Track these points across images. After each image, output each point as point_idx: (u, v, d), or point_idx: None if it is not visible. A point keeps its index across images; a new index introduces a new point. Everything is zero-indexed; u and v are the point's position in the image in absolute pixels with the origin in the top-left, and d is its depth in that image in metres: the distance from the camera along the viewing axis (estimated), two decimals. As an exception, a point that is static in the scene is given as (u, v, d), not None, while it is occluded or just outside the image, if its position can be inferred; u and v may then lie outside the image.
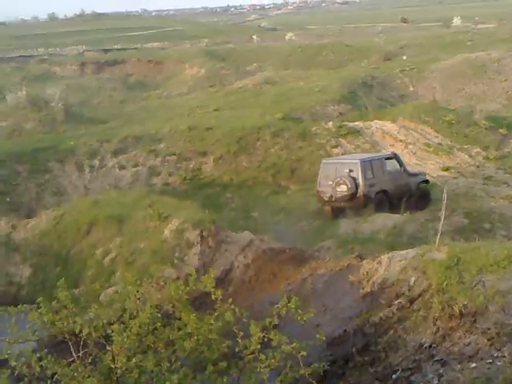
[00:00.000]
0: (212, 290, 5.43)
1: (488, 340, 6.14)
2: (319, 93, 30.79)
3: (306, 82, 35.13)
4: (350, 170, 16.44)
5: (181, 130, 24.16)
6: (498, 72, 33.74)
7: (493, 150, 22.55)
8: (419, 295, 7.57)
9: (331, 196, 16.58)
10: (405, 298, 7.68)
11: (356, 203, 16.43)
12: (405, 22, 78.83)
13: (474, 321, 6.49)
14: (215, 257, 10.34)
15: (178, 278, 8.97)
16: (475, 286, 6.96)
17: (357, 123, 24.33)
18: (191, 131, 24.27)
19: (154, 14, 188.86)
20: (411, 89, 34.11)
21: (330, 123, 24.18)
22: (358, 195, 16.35)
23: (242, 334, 5.34)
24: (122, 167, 22.45)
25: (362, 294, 8.30)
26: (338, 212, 16.79)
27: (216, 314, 5.43)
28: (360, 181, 16.30)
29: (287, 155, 22.65)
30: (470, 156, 22.00)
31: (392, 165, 17.58)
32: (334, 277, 8.99)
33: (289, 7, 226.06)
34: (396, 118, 24.17)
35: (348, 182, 16.18)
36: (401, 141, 22.69)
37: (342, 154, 21.37)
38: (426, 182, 18.32)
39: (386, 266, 8.36)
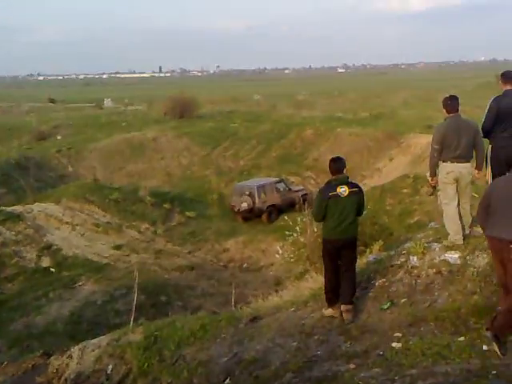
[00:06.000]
0: None
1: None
2: (-34, 176, 28.17)
3: None
4: (250, 192, 25.02)
5: None
6: (155, 150, 36.69)
7: (160, 224, 24.09)
8: (119, 383, 7.30)
9: (239, 208, 25.22)
10: (103, 388, 7.29)
11: (254, 213, 25.14)
12: (53, 102, 79.14)
13: (181, 397, 6.54)
14: None
15: None
16: (176, 361, 7.07)
17: (16, 207, 22.98)
18: None
19: None
20: (70, 169, 34.15)
21: (-16, 209, 22.19)
22: (254, 208, 24.87)
23: None
24: None
25: (53, 396, 7.56)
26: (245, 218, 25.41)
27: None
28: (256, 199, 24.75)
29: None
30: (140, 232, 23.01)
31: (281, 186, 26.25)
32: (18, 382, 8.01)
33: None
34: (59, 200, 23.71)
35: (248, 200, 24.85)
36: (67, 223, 22.29)
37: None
38: (306, 194, 26.08)
39: (79, 359, 7.86)
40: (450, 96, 7.35)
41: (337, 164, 6.88)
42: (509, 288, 5.38)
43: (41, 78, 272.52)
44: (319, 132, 36.03)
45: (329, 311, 7.00)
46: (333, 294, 6.99)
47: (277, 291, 11.62)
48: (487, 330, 5.42)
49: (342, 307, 6.77)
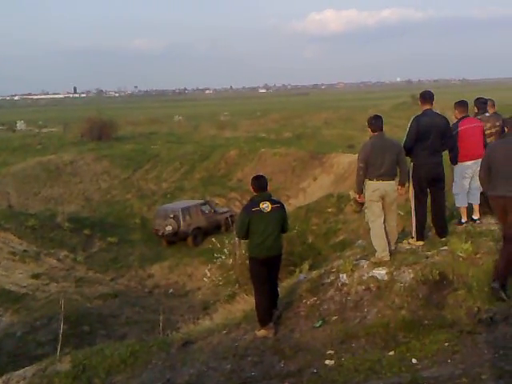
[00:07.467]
0: None
1: None
2: None
3: None
4: (175, 215, 24.52)
5: None
6: (72, 174, 35.63)
7: (80, 251, 23.44)
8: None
9: (163, 232, 24.59)
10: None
11: (179, 237, 24.80)
12: (-38, 125, 75.83)
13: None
14: None
15: None
16: (106, 390, 6.92)
17: None
18: None
19: None
20: (-18, 195, 32.63)
21: None
22: (179, 232, 24.49)
23: None
24: None
25: None
26: (169, 242, 25.14)
27: None
28: (180, 222, 24.38)
29: None
30: (59, 260, 22.29)
31: (206, 208, 26.00)
32: None
33: None
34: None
35: (172, 223, 24.40)
36: (-21, 252, 21.26)
37: None
38: (232, 216, 25.06)
39: (2, 391, 7.55)
40: (375, 116, 7.76)
41: (259, 181, 7.19)
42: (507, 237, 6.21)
43: None
44: (243, 153, 36.37)
45: (262, 332, 7.12)
46: (265, 315, 7.14)
47: (207, 315, 11.60)
48: (493, 281, 6.16)
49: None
